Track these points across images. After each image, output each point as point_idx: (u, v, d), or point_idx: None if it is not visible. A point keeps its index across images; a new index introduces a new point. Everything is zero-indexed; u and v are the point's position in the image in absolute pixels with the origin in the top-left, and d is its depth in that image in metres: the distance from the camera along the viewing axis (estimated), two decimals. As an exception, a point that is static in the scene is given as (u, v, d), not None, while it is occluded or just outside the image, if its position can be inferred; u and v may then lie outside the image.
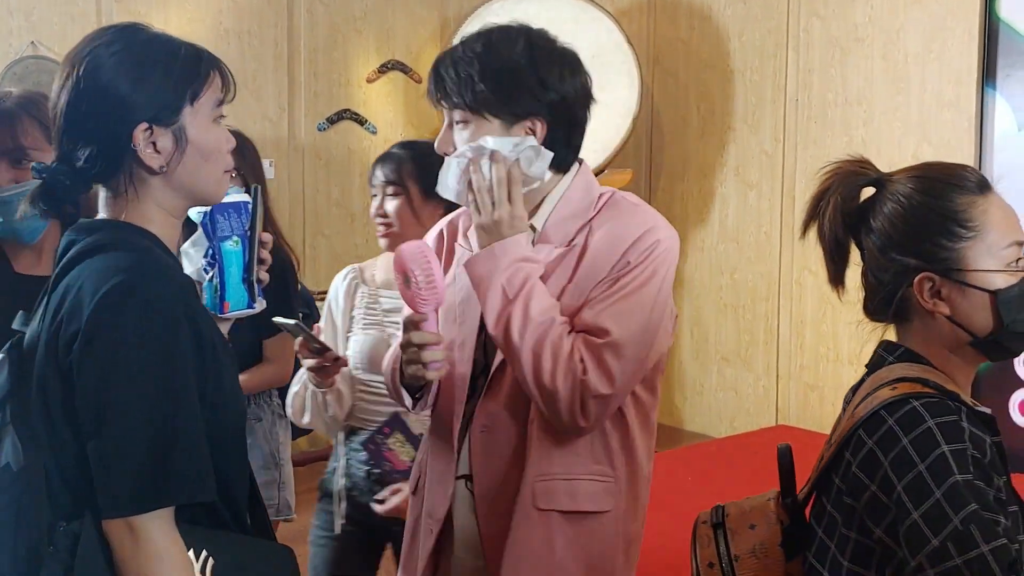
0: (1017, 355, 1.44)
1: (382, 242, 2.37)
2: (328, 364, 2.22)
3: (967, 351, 1.40)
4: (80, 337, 1.28)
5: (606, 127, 5.25)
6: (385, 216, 2.34)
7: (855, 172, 1.45)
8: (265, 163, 5.22)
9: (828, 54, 5.21)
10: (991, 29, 4.62)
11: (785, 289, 5.40)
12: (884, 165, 4.85)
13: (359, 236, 5.55)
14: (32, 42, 4.58)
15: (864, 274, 1.45)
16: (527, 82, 1.69)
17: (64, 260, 1.38)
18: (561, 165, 1.76)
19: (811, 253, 1.78)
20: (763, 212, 5.49)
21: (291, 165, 5.40)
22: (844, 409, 1.45)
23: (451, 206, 2.04)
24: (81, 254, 1.36)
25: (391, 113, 5.77)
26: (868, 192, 1.47)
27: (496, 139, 1.69)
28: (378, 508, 2.22)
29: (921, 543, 1.20)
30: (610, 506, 1.72)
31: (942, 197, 1.38)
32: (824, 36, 5.23)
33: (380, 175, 2.35)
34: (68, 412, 1.30)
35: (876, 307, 1.45)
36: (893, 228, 1.39)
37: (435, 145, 1.79)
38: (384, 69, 5.70)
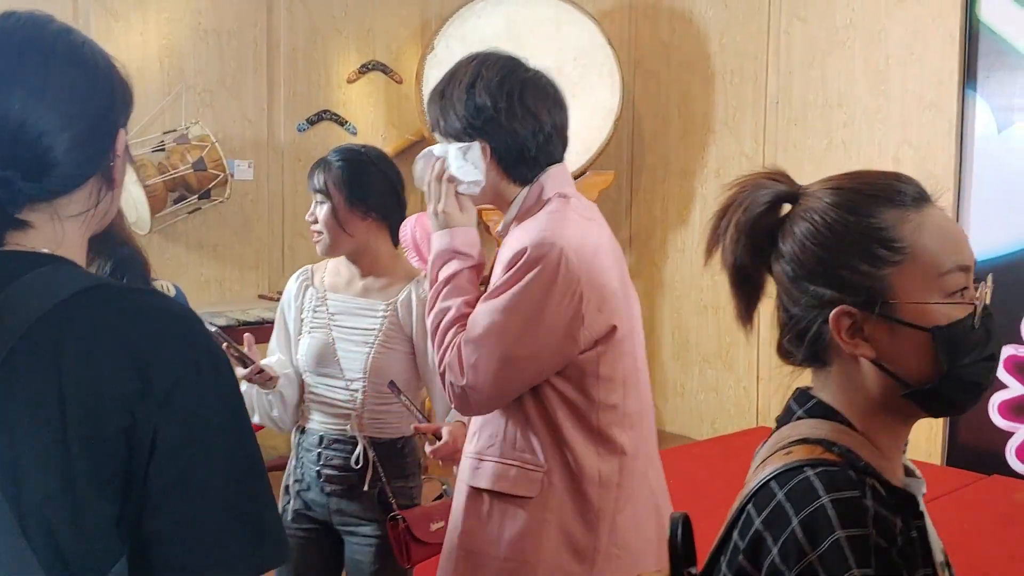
0: (965, 411, 1.13)
1: (317, 248, 2.41)
2: (253, 378, 2.30)
3: (899, 404, 1.10)
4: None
5: (588, 128, 5.20)
6: (316, 223, 2.39)
7: (762, 185, 1.16)
8: (244, 164, 5.19)
9: (809, 56, 5.18)
10: (971, 31, 4.59)
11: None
12: (865, 167, 4.80)
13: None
14: (7, 41, 4.47)
15: (778, 308, 1.18)
16: (457, 110, 1.87)
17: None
18: (517, 179, 1.89)
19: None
20: (744, 214, 5.45)
21: (270, 166, 5.32)
22: (757, 461, 1.20)
23: (377, 213, 2.33)
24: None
25: (372, 114, 5.70)
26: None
27: (440, 146, 1.91)
28: (428, 450, 2.22)
29: None
30: (534, 493, 1.81)
31: (864, 213, 1.09)
32: (805, 39, 5.19)
33: (311, 183, 2.40)
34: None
35: (791, 346, 1.16)
36: (804, 251, 1.11)
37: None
38: (365, 69, 5.62)
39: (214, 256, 5.18)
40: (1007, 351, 4.49)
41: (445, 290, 1.86)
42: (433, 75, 5.10)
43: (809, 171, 1.25)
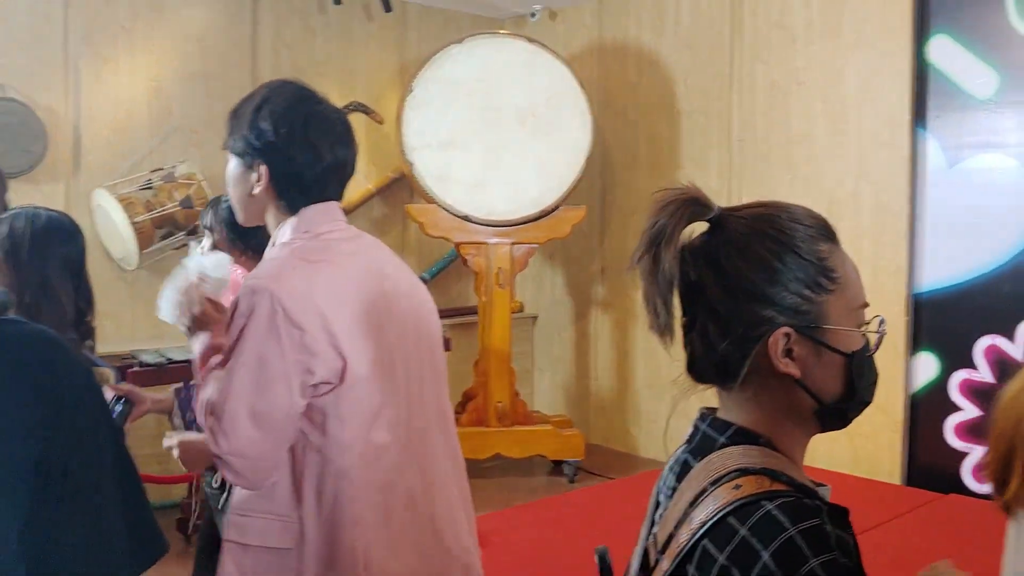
0: (847, 425, 1.18)
1: None
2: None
3: (808, 420, 1.16)
4: None
5: (560, 165, 5.31)
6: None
7: (696, 203, 1.17)
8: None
9: (771, 97, 5.32)
10: (921, 73, 4.75)
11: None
12: (826, 201, 4.93)
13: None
14: (0, 84, 4.53)
15: (694, 326, 1.18)
16: (243, 130, 1.85)
17: None
18: (287, 206, 1.86)
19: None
20: (711, 246, 5.55)
21: (256, 203, 5.37)
22: (667, 494, 1.20)
23: (253, 252, 2.32)
24: None
25: (353, 153, 5.76)
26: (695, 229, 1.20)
27: (190, 259, 2.01)
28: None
29: None
30: (291, 544, 1.75)
31: (807, 241, 1.14)
32: (767, 80, 5.33)
33: (201, 218, 2.53)
34: None
35: (712, 366, 1.17)
36: (753, 272, 1.13)
37: None
38: (347, 110, 5.69)
39: (201, 290, 5.21)
40: (961, 375, 4.62)
41: (208, 383, 1.80)
42: (413, 116, 5.20)
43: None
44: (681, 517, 1.12)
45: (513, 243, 5.38)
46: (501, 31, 5.72)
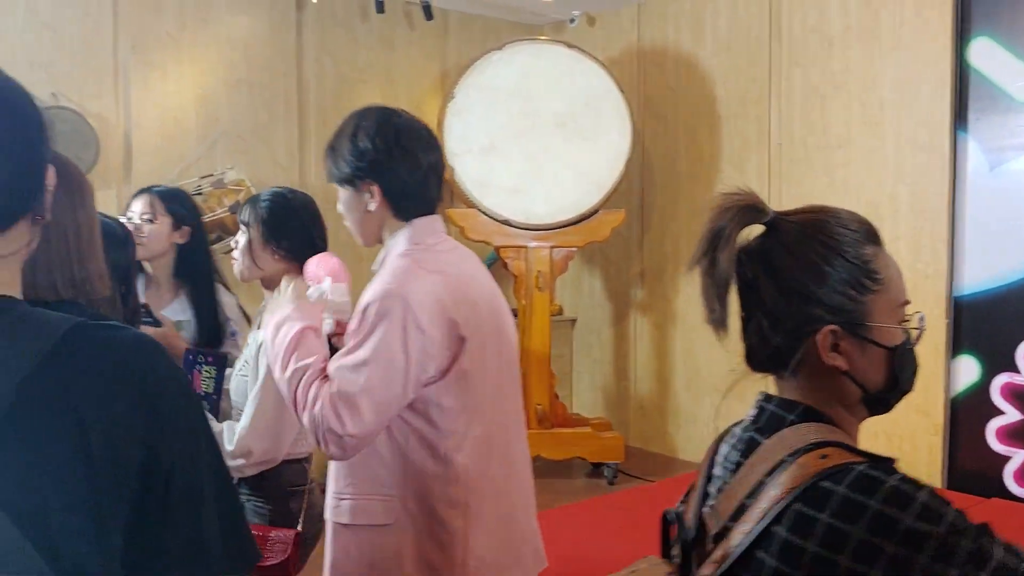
0: (889, 410, 1.30)
1: (234, 271, 2.53)
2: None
3: (856, 406, 1.27)
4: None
5: (600, 169, 5.32)
6: (235, 249, 2.52)
7: (753, 208, 1.25)
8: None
9: (809, 101, 5.29)
10: (962, 75, 4.71)
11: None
12: (865, 204, 4.90)
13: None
14: (52, 93, 4.64)
15: (750, 320, 1.29)
16: (344, 158, 2.03)
17: None
18: (401, 215, 2.04)
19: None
20: (750, 250, 5.53)
21: (300, 208, 5.43)
22: (730, 468, 1.29)
23: (287, 253, 2.43)
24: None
25: (395, 158, 5.81)
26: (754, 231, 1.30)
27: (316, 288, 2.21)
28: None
29: None
30: (391, 520, 1.96)
31: (854, 245, 1.24)
32: (804, 84, 5.31)
33: (239, 214, 2.53)
34: None
35: (767, 357, 1.29)
36: (803, 274, 1.23)
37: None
38: (388, 117, 5.75)
39: (249, 293, 5.28)
40: (1002, 379, 4.57)
41: (297, 351, 1.98)
42: (454, 122, 5.24)
43: (812, 209, 1.35)
44: (755, 487, 1.21)
45: (553, 247, 5.40)
46: (541, 37, 5.74)
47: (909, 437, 4.76)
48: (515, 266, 5.42)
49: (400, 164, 1.99)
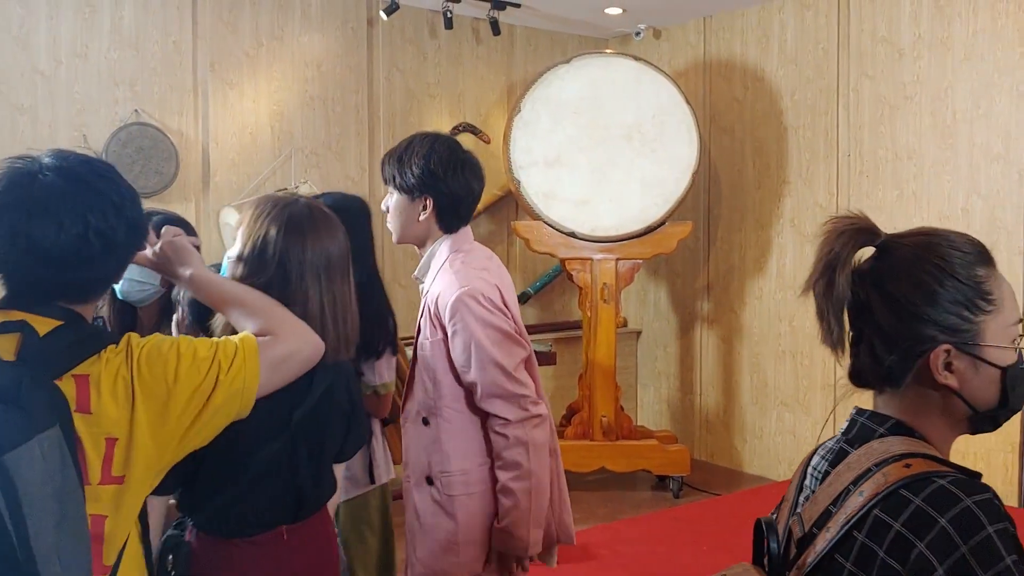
0: (996, 429, 1.30)
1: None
2: None
3: (960, 423, 1.28)
4: None
5: (667, 181, 5.27)
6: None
7: (866, 231, 1.28)
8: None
9: (878, 111, 5.18)
10: (1038, 85, 4.55)
11: (840, 336, 5.32)
12: (936, 216, 4.77)
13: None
14: (135, 110, 4.76)
15: (861, 340, 1.30)
16: (413, 171, 2.34)
17: None
18: (444, 227, 2.36)
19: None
20: (818, 262, 5.43)
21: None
22: (818, 478, 1.32)
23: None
24: None
25: (463, 171, 5.84)
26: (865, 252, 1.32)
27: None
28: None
29: None
30: (480, 489, 2.30)
31: (966, 267, 1.25)
32: (873, 95, 5.20)
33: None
34: None
35: (878, 376, 1.29)
36: (916, 295, 1.24)
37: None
38: (456, 131, 5.80)
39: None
40: (1082, 394, 4.39)
41: None
42: (520, 135, 5.24)
43: (882, 221, 1.33)
44: (840, 494, 1.24)
45: (618, 259, 5.35)
46: (607, 50, 5.72)
47: (984, 455, 4.61)
48: (580, 278, 5.38)
49: (458, 188, 2.33)
